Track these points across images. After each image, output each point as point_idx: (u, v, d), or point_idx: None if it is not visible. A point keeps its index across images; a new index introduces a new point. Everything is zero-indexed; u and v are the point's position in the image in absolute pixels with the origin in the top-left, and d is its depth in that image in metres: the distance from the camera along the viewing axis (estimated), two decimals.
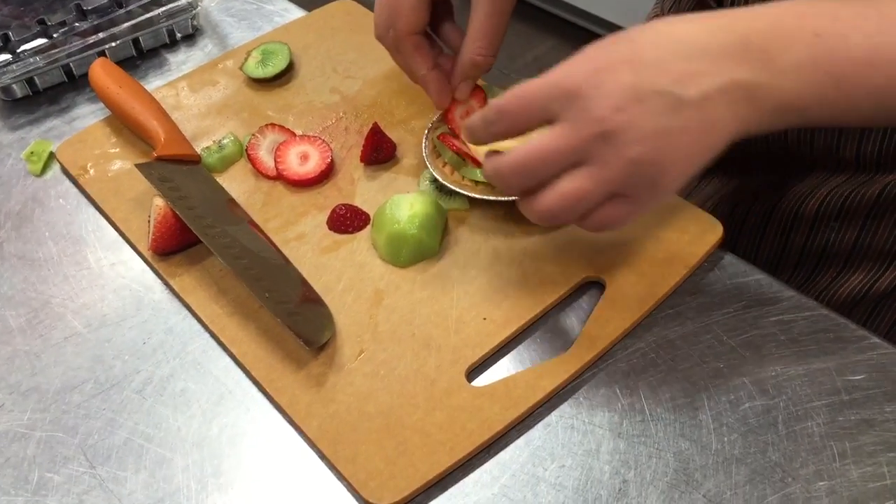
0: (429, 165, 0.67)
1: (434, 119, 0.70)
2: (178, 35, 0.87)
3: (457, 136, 0.68)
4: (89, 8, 0.82)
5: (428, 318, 0.60)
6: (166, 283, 0.64)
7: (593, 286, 0.62)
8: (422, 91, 0.68)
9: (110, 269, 0.66)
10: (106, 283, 0.65)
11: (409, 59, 0.66)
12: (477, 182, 0.65)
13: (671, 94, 0.46)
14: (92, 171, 0.73)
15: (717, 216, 0.64)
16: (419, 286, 0.62)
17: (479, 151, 0.64)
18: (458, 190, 0.65)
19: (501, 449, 0.54)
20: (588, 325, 0.58)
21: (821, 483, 0.51)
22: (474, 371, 0.58)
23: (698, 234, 0.63)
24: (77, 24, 0.82)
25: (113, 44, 0.83)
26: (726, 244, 0.64)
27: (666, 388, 0.56)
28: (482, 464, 0.54)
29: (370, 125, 0.70)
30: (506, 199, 0.64)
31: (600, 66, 0.48)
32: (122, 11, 0.83)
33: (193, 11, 0.86)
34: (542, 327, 0.60)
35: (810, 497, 0.50)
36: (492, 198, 0.64)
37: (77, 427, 0.57)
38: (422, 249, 0.63)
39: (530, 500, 0.52)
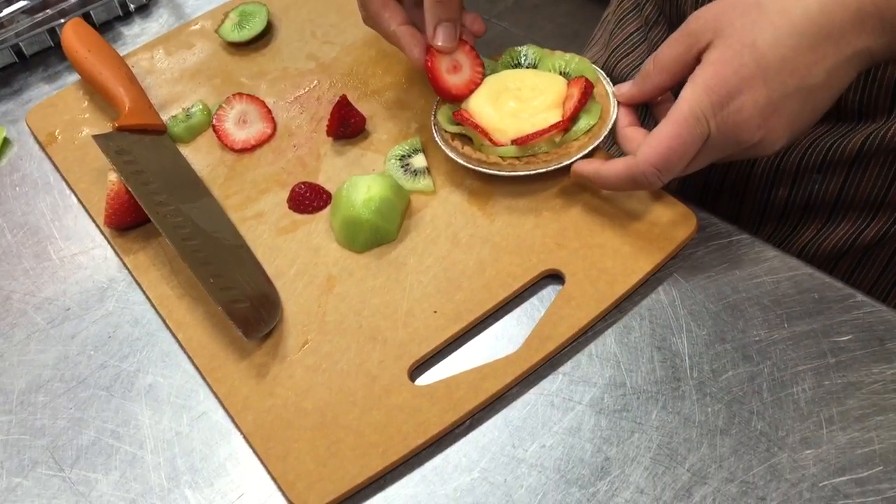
0: (445, 149, 0.63)
1: (437, 99, 0.66)
2: (132, 6, 0.84)
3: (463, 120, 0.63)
4: None
5: (378, 308, 0.58)
6: (122, 261, 0.62)
7: (554, 280, 0.59)
8: (399, 60, 0.64)
9: (71, 260, 0.64)
10: (68, 276, 0.63)
11: (376, 17, 0.63)
12: (503, 157, 0.61)
13: (801, 89, 0.51)
14: (60, 138, 0.71)
15: (698, 172, 0.62)
16: (373, 273, 0.60)
17: (499, 128, 0.61)
18: (484, 170, 0.62)
19: (480, 430, 0.53)
20: (540, 324, 0.56)
21: (808, 451, 0.50)
22: (419, 368, 0.56)
23: (669, 226, 0.59)
24: (23, 1, 0.78)
25: (62, 20, 0.79)
26: (708, 204, 0.62)
27: (647, 360, 0.54)
28: (460, 447, 0.52)
29: (340, 96, 0.67)
30: (532, 171, 0.61)
31: (733, 90, 0.51)
32: None
33: None
34: (495, 323, 0.58)
35: (797, 466, 0.49)
36: (521, 172, 0.61)
37: (44, 428, 0.55)
38: (378, 235, 0.60)
39: (511, 483, 0.50)
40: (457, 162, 0.63)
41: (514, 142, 0.61)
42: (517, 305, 0.58)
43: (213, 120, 0.69)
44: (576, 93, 0.61)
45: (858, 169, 0.68)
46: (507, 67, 0.66)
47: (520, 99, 0.62)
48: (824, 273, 0.57)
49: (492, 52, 0.68)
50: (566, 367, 0.55)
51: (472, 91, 0.64)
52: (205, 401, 0.56)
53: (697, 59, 0.54)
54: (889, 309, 0.55)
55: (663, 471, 0.50)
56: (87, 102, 0.73)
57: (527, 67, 0.66)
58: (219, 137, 0.68)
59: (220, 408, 0.55)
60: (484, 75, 0.64)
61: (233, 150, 0.68)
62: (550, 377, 0.55)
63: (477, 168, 0.62)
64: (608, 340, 0.56)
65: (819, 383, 0.52)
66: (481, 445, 0.52)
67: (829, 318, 0.55)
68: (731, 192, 0.74)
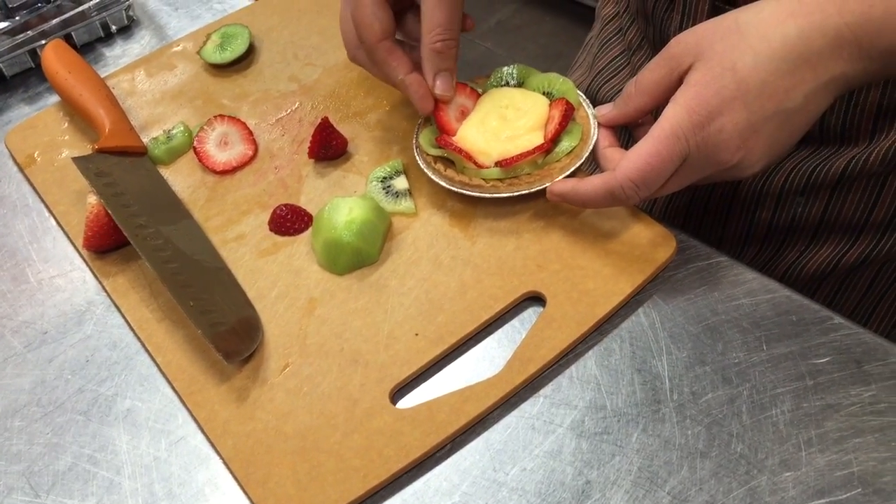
0: (428, 172, 0.63)
1: (420, 121, 0.67)
2: (114, 28, 0.84)
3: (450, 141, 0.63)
4: (16, 4, 0.78)
5: (359, 331, 0.57)
6: (101, 284, 0.62)
7: (536, 302, 0.59)
8: (381, 84, 0.64)
9: (49, 283, 0.64)
10: (46, 299, 0.63)
11: (384, 67, 0.63)
12: (486, 179, 0.61)
13: (780, 112, 0.52)
14: (39, 160, 0.70)
15: (681, 194, 0.63)
16: (354, 295, 0.59)
17: (483, 151, 0.62)
18: (467, 192, 0.62)
19: (461, 454, 0.52)
20: (522, 346, 0.56)
21: (787, 473, 0.50)
22: (400, 391, 0.56)
23: (649, 247, 0.59)
24: (4, 22, 0.78)
25: (43, 41, 0.79)
26: (691, 226, 0.62)
27: (627, 382, 0.55)
28: (441, 470, 0.52)
29: (321, 119, 0.67)
30: (515, 193, 0.61)
31: (713, 110, 0.52)
32: (51, 6, 0.79)
33: (128, 2, 0.82)
34: (477, 344, 0.58)
35: (776, 489, 0.49)
36: (504, 194, 0.61)
37: (20, 454, 0.55)
38: (359, 257, 0.60)
39: None
40: (438, 184, 0.63)
41: (498, 164, 0.61)
42: (498, 327, 0.58)
43: (195, 142, 0.69)
44: (557, 115, 0.62)
45: (841, 192, 0.68)
46: (494, 87, 0.66)
47: (504, 119, 0.63)
48: (802, 295, 0.58)
49: (474, 73, 0.69)
50: (547, 390, 0.55)
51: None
52: (183, 425, 0.55)
53: (679, 82, 0.54)
54: (866, 331, 0.55)
55: (644, 494, 0.50)
56: (66, 124, 0.73)
57: (514, 86, 0.67)
58: (200, 159, 0.68)
59: (198, 432, 0.55)
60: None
61: (214, 171, 0.68)
62: (531, 400, 0.55)
63: (460, 190, 0.62)
64: (589, 363, 0.56)
65: (798, 405, 0.53)
66: (462, 469, 0.52)
67: (807, 340, 0.56)
68: (714, 214, 0.75)
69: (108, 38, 0.84)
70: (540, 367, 0.55)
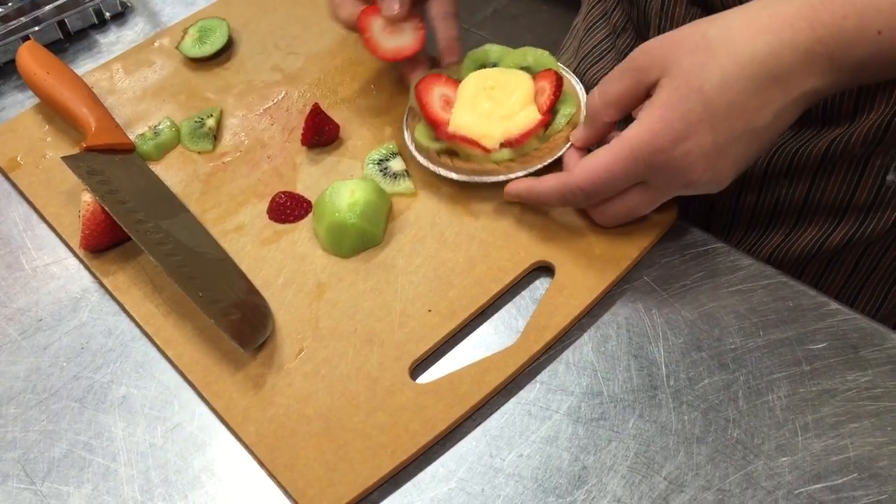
0: (435, 168, 0.63)
1: (405, 120, 0.66)
2: (107, 14, 0.83)
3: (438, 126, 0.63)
4: None
5: (371, 311, 0.57)
6: (100, 282, 0.61)
7: (544, 272, 0.60)
8: (366, 68, 0.64)
9: (44, 270, 0.63)
10: (40, 286, 0.62)
11: (337, 9, 0.64)
12: (498, 162, 0.61)
13: (748, 132, 0.51)
14: (22, 163, 0.69)
15: None
16: (362, 277, 0.59)
17: (486, 134, 0.61)
18: (486, 179, 0.61)
19: (457, 440, 0.52)
20: (536, 314, 0.56)
21: (783, 458, 0.50)
22: (419, 367, 0.56)
23: (652, 214, 0.60)
24: None
25: (36, 28, 0.78)
26: (679, 209, 0.62)
27: (624, 368, 0.55)
28: (438, 457, 0.52)
29: (312, 105, 0.66)
30: (532, 168, 0.61)
31: (680, 135, 0.51)
32: None
33: None
34: (491, 317, 0.58)
35: (773, 474, 0.49)
36: (521, 173, 0.61)
37: (15, 441, 0.54)
38: (364, 239, 0.60)
39: (488, 493, 0.50)
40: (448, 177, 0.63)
41: (505, 144, 0.61)
42: (510, 300, 0.59)
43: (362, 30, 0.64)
44: (547, 86, 0.62)
45: (824, 174, 0.68)
46: (470, 71, 0.66)
47: (494, 99, 0.62)
48: (798, 281, 0.58)
49: None
50: (543, 376, 0.55)
51: (416, 52, 0.64)
52: (179, 412, 0.55)
53: (645, 94, 0.54)
54: (863, 316, 0.55)
55: (640, 479, 0.50)
56: (47, 126, 0.72)
57: (491, 66, 0.66)
58: (369, 47, 0.65)
59: (194, 419, 0.55)
60: (426, 37, 0.65)
61: (384, 59, 0.66)
62: (528, 386, 0.54)
63: (473, 179, 0.62)
64: (585, 349, 0.56)
65: (794, 391, 0.53)
66: (458, 455, 0.52)
67: (803, 326, 0.55)
68: (700, 199, 0.75)
69: (101, 24, 0.83)
70: (555, 333, 0.55)
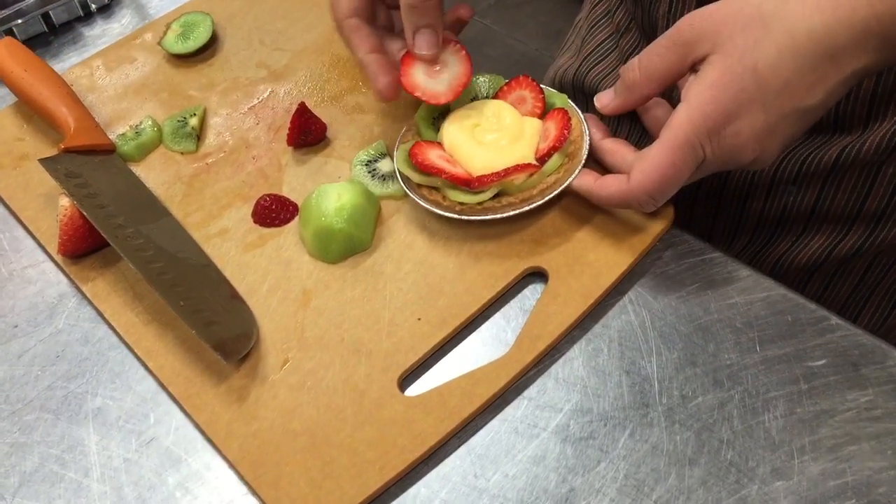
0: (423, 203, 0.59)
1: (403, 131, 0.63)
2: (93, 6, 0.81)
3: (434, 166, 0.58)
4: None
5: (358, 320, 0.56)
6: (78, 288, 0.60)
7: (537, 278, 0.58)
8: (355, 64, 0.62)
9: (21, 274, 0.62)
10: (16, 291, 0.61)
11: (349, 44, 0.61)
12: (461, 202, 0.58)
13: (798, 110, 0.49)
14: None
15: None
16: (350, 284, 0.57)
17: (467, 164, 0.58)
18: (443, 213, 0.58)
19: (441, 459, 0.51)
20: (529, 323, 0.54)
21: (778, 483, 0.48)
22: (407, 378, 0.54)
23: (647, 217, 0.58)
24: None
25: (20, 20, 0.76)
26: (681, 216, 0.60)
27: (615, 384, 0.53)
28: (421, 477, 0.50)
29: (298, 104, 0.64)
30: (494, 217, 0.57)
31: (731, 114, 0.49)
32: None
33: None
34: (481, 326, 0.56)
35: (767, 499, 0.47)
36: (480, 217, 0.57)
37: None
38: (352, 244, 0.58)
39: None
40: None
41: (486, 179, 0.57)
42: (502, 306, 0.57)
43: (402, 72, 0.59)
44: (553, 130, 0.59)
45: (833, 181, 0.66)
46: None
47: (487, 131, 0.60)
48: (798, 294, 0.56)
49: (472, 51, 0.63)
50: (531, 392, 0.53)
51: (459, 93, 0.60)
52: (155, 426, 0.53)
53: (691, 69, 0.52)
54: (864, 332, 0.53)
55: (629, 503, 0.48)
56: (25, 125, 0.70)
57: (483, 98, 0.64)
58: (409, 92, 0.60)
59: (170, 433, 0.53)
60: (472, 76, 0.61)
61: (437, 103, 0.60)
62: (515, 402, 0.53)
63: (454, 216, 0.58)
64: (576, 363, 0.54)
65: (791, 410, 0.51)
66: (442, 475, 0.50)
67: (802, 341, 0.53)
68: (704, 204, 0.72)
69: (87, 17, 0.81)
70: (549, 343, 0.54)
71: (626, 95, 0.56)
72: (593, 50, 0.80)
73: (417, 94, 0.60)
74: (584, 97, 0.81)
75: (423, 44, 0.58)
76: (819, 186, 0.67)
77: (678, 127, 0.50)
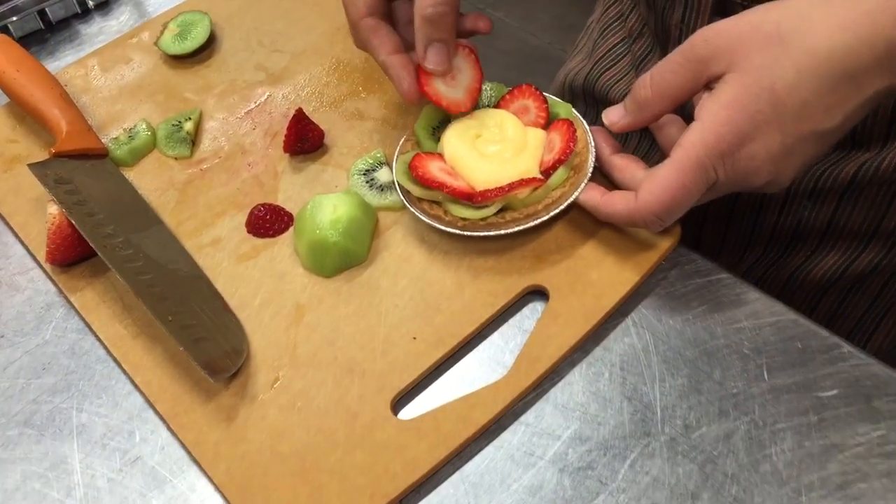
0: (424, 217, 0.57)
1: (402, 141, 0.61)
2: (91, 3, 0.79)
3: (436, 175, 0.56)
4: None
5: (352, 337, 0.54)
6: (68, 300, 0.58)
7: (537, 297, 0.56)
8: (354, 68, 0.60)
9: (9, 281, 0.60)
10: (4, 299, 0.59)
11: (367, 46, 0.59)
12: (463, 218, 0.56)
13: (816, 132, 0.47)
14: None
15: None
16: (344, 299, 0.56)
17: (469, 176, 0.56)
18: (444, 228, 0.56)
19: (434, 486, 0.49)
20: (528, 345, 0.52)
21: None
22: (402, 400, 0.52)
23: (653, 235, 0.56)
24: None
25: (15, 17, 0.75)
26: (691, 227, 0.58)
27: (616, 412, 0.51)
28: None
29: (296, 110, 0.62)
30: (497, 233, 0.55)
31: (745, 137, 0.47)
32: None
33: None
34: (479, 346, 0.54)
35: None
36: (483, 233, 0.55)
37: None
38: (347, 257, 0.56)
39: None
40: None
41: (485, 195, 0.55)
42: (500, 326, 0.55)
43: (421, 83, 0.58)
44: (558, 142, 0.57)
45: (850, 197, 0.64)
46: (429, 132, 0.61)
47: (489, 143, 0.58)
48: (810, 320, 0.53)
49: (483, 46, 0.61)
50: (528, 417, 0.51)
51: (476, 99, 0.59)
52: (140, 444, 0.52)
53: (705, 86, 0.50)
54: (878, 362, 0.51)
55: None
56: (17, 127, 0.68)
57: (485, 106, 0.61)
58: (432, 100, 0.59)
59: (155, 453, 0.51)
60: (482, 82, 0.60)
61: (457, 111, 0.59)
62: (511, 428, 0.51)
63: (454, 231, 0.56)
64: (575, 388, 0.52)
65: (799, 444, 0.49)
66: (434, 503, 0.48)
67: (812, 370, 0.51)
68: (715, 217, 0.70)
69: (84, 14, 0.79)
70: (549, 366, 0.52)
71: (638, 114, 0.53)
72: (605, 54, 0.77)
73: (444, 103, 0.58)
74: (594, 102, 0.79)
75: (434, 58, 0.56)
76: (835, 202, 0.65)
77: (690, 147, 0.48)
